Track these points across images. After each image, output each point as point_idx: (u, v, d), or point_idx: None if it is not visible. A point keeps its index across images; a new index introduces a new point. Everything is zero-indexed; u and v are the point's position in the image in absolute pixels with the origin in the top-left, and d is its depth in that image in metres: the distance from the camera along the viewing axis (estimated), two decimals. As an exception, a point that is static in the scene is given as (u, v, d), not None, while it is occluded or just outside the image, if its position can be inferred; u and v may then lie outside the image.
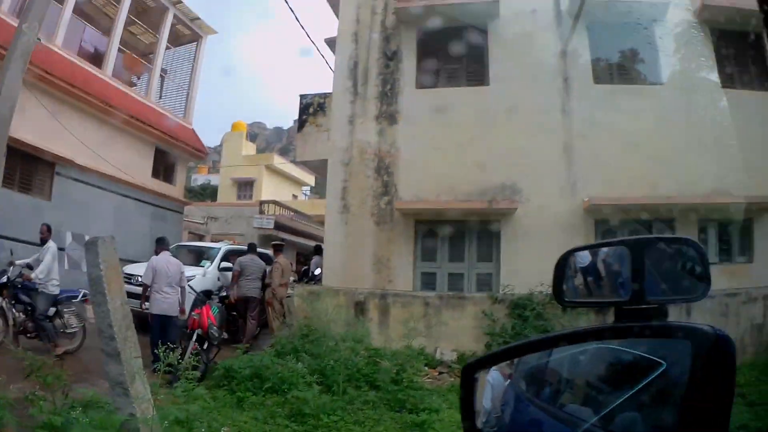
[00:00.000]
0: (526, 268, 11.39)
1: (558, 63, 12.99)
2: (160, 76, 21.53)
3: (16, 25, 14.57)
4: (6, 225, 13.26)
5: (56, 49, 16.06)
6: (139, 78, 21.84)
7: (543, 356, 1.55)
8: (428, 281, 13.18)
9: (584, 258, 1.60)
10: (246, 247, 14.11)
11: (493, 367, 1.50)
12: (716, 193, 11.74)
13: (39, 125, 14.63)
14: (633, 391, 1.26)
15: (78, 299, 10.78)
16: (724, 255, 12.75)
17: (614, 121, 12.16)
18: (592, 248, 1.64)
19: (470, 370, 1.53)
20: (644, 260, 1.39)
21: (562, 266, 1.57)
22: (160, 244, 10.83)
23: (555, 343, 1.28)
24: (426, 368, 9.95)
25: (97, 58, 18.59)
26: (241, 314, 13.10)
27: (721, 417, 1.00)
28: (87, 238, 16.40)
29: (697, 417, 1.00)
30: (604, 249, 1.64)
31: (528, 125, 12.57)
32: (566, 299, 1.62)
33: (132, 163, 18.76)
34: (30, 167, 15.67)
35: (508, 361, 1.51)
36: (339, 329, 9.69)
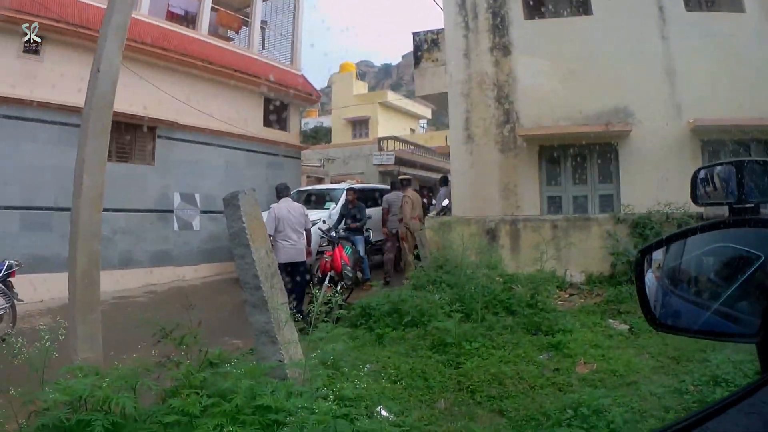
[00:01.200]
0: (642, 187, 11.77)
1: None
2: (261, 27, 21.71)
3: (89, 3, 14.86)
4: (109, 196, 13.00)
5: (143, 18, 16.18)
6: (238, 33, 22.07)
7: (676, 259, 1.88)
8: (554, 205, 13.32)
9: (705, 173, 2.15)
10: (388, 185, 14.61)
11: (649, 270, 1.89)
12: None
13: (136, 94, 14.46)
14: (742, 279, 1.60)
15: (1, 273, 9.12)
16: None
17: (707, 46, 12.20)
18: (711, 167, 2.18)
19: (641, 257, 1.93)
20: (744, 174, 1.92)
21: (694, 179, 2.15)
22: (280, 191, 10.62)
23: (696, 230, 1.72)
24: (557, 290, 9.99)
25: (189, 20, 18.89)
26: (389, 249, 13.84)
27: None
28: (197, 196, 17.15)
29: None
30: (719, 167, 2.15)
31: (631, 51, 12.57)
32: (699, 202, 2.21)
33: (241, 115, 19.00)
34: (129, 135, 15.84)
35: (657, 265, 1.93)
36: (472, 258, 9.74)
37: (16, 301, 9.19)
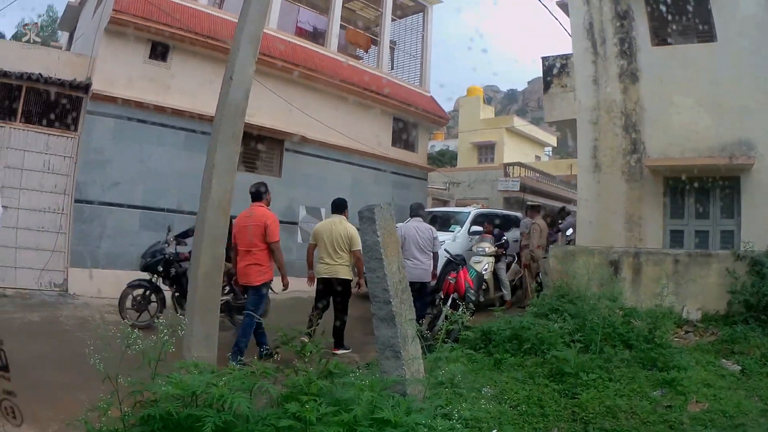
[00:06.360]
0: (764, 223, 11.35)
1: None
2: (390, 47, 22.05)
3: (217, 15, 15.52)
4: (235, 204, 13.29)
5: (272, 33, 16.47)
6: (366, 52, 22.44)
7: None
8: (676, 239, 13.04)
9: None
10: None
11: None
12: None
13: (265, 106, 15.08)
14: None
15: None
16: None
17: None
18: None
19: None
20: None
21: None
22: (413, 211, 10.75)
23: None
24: (674, 327, 9.69)
25: (318, 37, 19.33)
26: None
27: None
28: (322, 210, 17.33)
29: None
30: None
31: (755, 80, 12.06)
32: None
33: (369, 133, 19.37)
34: (257, 147, 16.23)
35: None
36: (594, 289, 9.78)
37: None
